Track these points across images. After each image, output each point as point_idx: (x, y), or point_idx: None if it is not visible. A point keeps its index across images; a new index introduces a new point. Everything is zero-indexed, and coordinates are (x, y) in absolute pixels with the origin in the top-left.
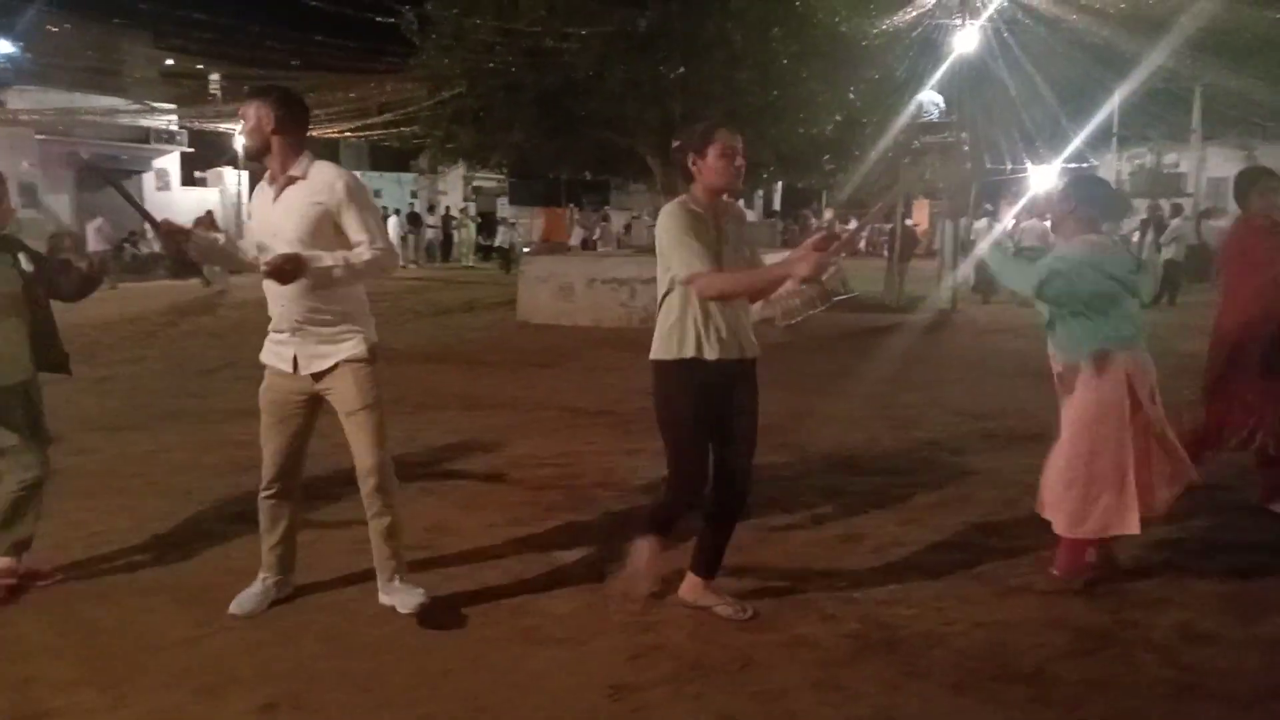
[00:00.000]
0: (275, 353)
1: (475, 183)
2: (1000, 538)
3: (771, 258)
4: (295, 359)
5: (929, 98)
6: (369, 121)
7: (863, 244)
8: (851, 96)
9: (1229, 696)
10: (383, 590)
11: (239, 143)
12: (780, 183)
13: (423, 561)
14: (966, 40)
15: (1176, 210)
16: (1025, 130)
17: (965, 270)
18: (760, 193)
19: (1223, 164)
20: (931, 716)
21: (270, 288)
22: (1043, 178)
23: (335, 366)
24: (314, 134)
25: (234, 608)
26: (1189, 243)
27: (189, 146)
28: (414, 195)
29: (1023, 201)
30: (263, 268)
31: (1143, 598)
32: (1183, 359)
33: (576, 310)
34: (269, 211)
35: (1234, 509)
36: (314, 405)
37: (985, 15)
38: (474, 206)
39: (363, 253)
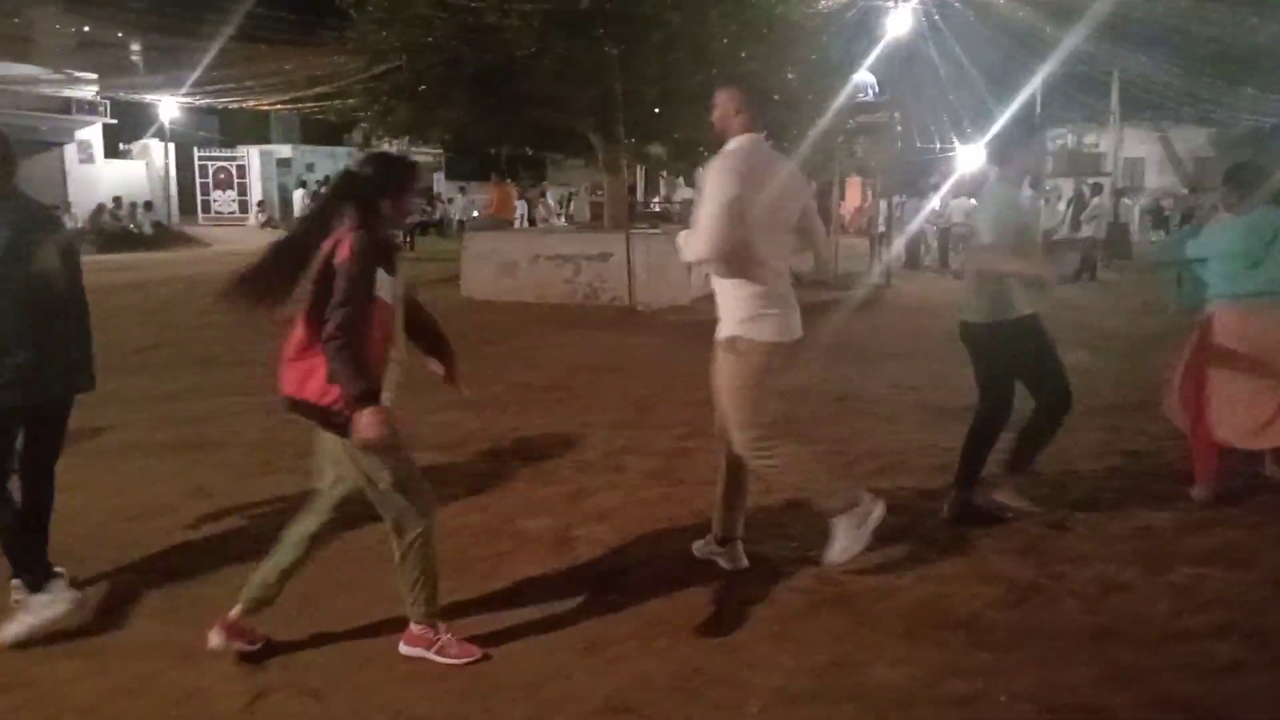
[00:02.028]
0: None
1: (412, 158)
2: (936, 501)
3: None
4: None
5: (863, 79)
6: (301, 94)
7: None
8: (790, 77)
9: (1140, 639)
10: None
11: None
12: None
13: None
14: (899, 23)
15: (1096, 190)
16: (953, 111)
17: (898, 247)
18: (699, 170)
19: (1138, 145)
20: (881, 660)
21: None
22: (970, 157)
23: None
24: (243, 106)
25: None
26: (1108, 220)
27: (111, 118)
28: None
29: (951, 180)
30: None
31: (1067, 553)
32: (1104, 335)
33: (520, 286)
34: None
35: (1148, 474)
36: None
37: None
38: None
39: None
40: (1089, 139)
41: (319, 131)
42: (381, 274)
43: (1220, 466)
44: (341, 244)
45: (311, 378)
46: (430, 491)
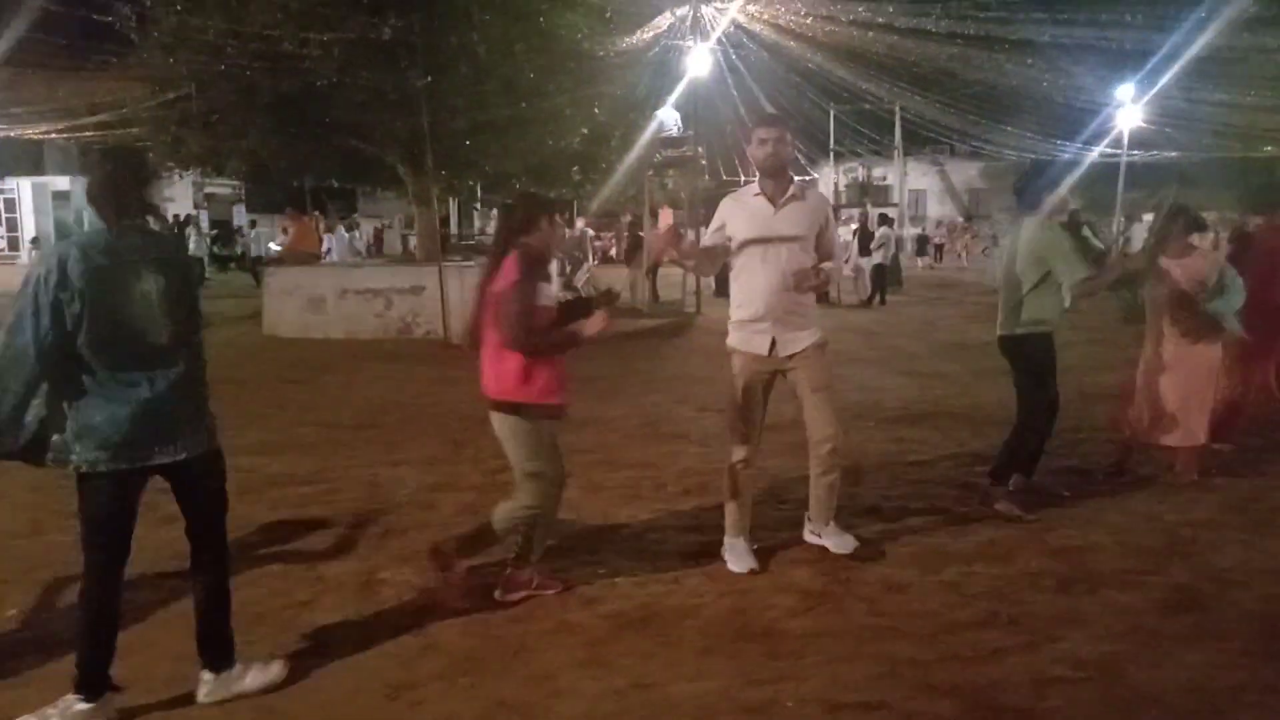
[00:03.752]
0: (751, 340)
1: (207, 189)
2: None
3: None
4: (773, 343)
5: (668, 115)
6: (79, 122)
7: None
8: (596, 112)
9: (917, 633)
10: (821, 534)
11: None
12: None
13: (171, 589)
14: (698, 61)
15: (884, 219)
16: None
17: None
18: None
19: (920, 178)
20: (681, 677)
21: (756, 285)
22: None
23: (805, 350)
24: (11, 135)
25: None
26: (892, 251)
27: None
28: None
29: None
30: (806, 283)
31: (851, 559)
32: (894, 352)
33: (328, 322)
34: (769, 219)
35: (928, 481)
36: (772, 383)
37: (713, 39)
38: (206, 215)
39: (834, 265)
40: (878, 171)
41: None
42: (542, 285)
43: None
44: (508, 269)
45: (502, 378)
46: (555, 493)
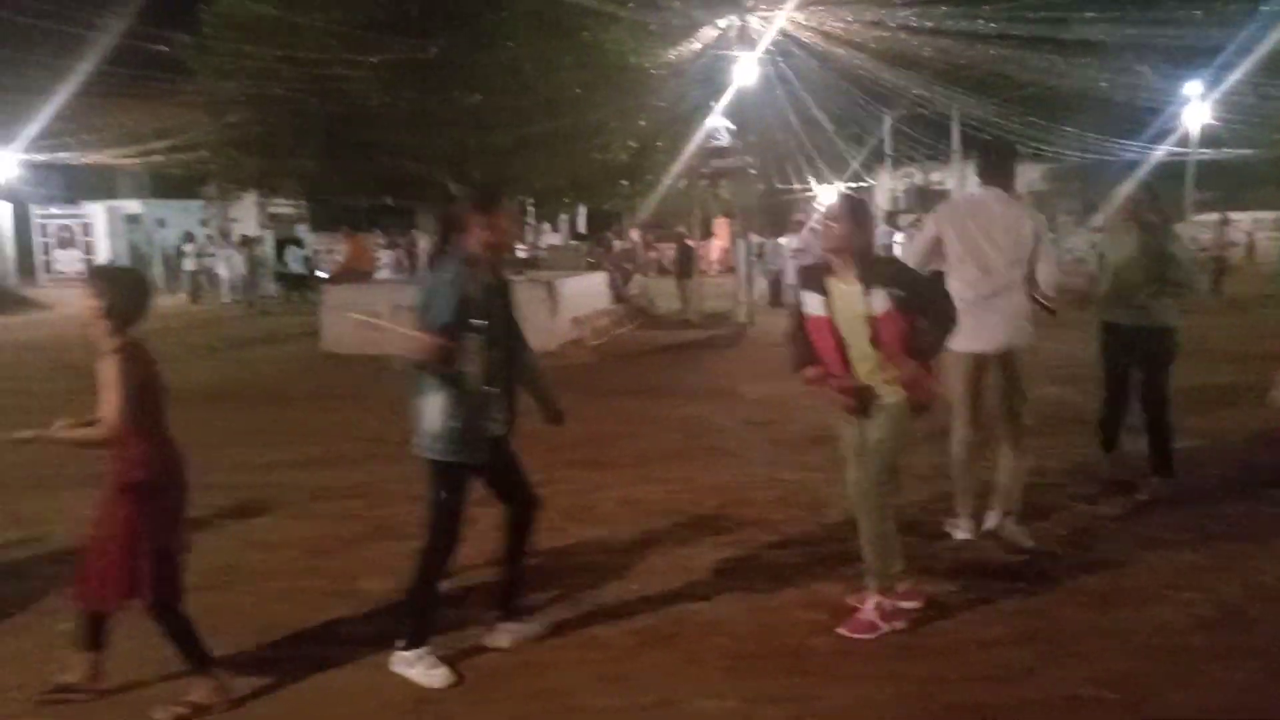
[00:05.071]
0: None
1: (271, 209)
2: (773, 533)
3: (576, 280)
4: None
5: (718, 124)
6: (148, 147)
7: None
8: (643, 124)
9: (948, 651)
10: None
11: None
12: (583, 207)
13: (215, 603)
14: (746, 71)
15: None
16: (808, 153)
17: (760, 285)
18: (565, 216)
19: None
20: (703, 694)
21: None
22: (827, 197)
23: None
24: (85, 161)
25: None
26: None
27: None
28: (204, 223)
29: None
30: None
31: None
32: None
33: (384, 339)
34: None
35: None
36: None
37: (760, 48)
38: (271, 234)
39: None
40: (935, 176)
41: (170, 186)
42: (812, 294)
43: None
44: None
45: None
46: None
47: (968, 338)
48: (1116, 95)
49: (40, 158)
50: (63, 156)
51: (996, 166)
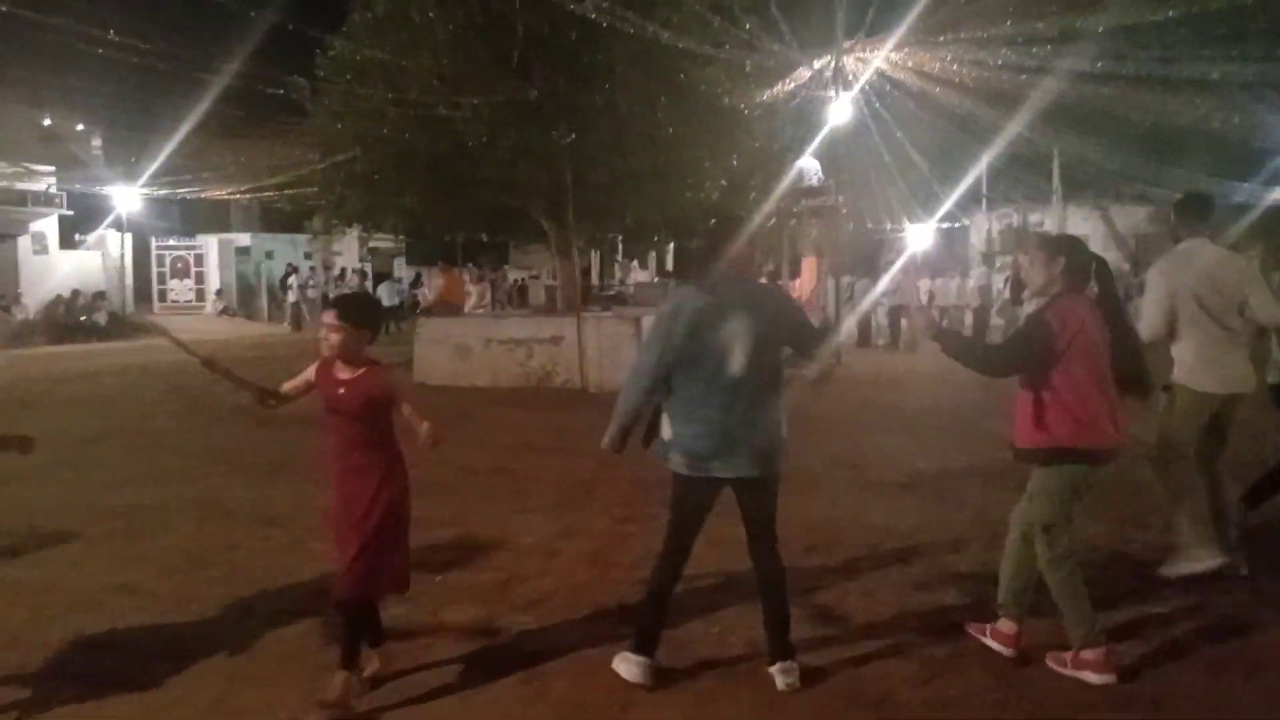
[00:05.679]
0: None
1: (371, 243)
2: (860, 580)
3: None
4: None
5: (808, 164)
6: (260, 184)
7: None
8: (735, 163)
9: (1046, 712)
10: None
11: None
12: (672, 244)
13: (308, 624)
14: (840, 111)
15: None
16: (900, 193)
17: (849, 325)
18: (653, 254)
19: (1081, 223)
20: None
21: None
22: (920, 236)
23: None
24: (202, 196)
25: None
26: None
27: (69, 209)
28: (308, 256)
29: (903, 259)
30: None
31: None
32: None
33: (474, 371)
34: None
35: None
36: None
37: (856, 89)
38: (369, 267)
39: None
40: (1034, 217)
41: (278, 220)
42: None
43: None
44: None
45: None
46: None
47: (1217, 379)
48: (1229, 134)
49: (161, 192)
50: (181, 191)
51: (1199, 215)
